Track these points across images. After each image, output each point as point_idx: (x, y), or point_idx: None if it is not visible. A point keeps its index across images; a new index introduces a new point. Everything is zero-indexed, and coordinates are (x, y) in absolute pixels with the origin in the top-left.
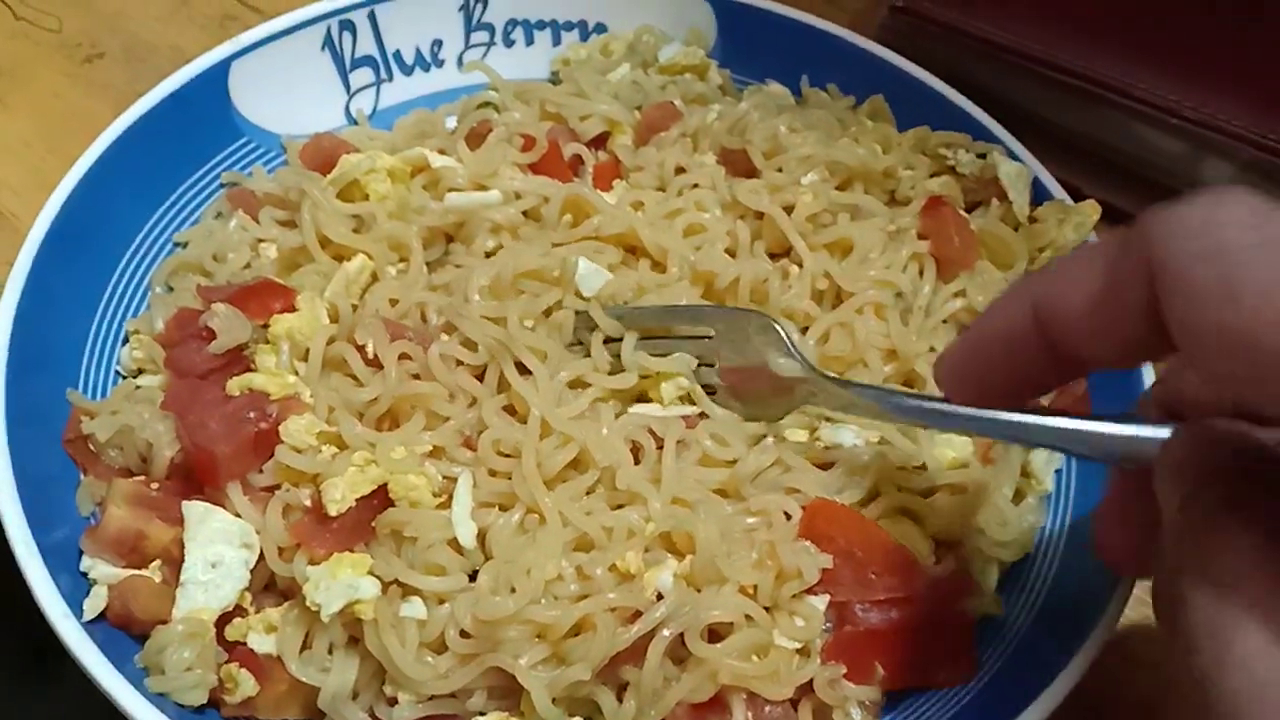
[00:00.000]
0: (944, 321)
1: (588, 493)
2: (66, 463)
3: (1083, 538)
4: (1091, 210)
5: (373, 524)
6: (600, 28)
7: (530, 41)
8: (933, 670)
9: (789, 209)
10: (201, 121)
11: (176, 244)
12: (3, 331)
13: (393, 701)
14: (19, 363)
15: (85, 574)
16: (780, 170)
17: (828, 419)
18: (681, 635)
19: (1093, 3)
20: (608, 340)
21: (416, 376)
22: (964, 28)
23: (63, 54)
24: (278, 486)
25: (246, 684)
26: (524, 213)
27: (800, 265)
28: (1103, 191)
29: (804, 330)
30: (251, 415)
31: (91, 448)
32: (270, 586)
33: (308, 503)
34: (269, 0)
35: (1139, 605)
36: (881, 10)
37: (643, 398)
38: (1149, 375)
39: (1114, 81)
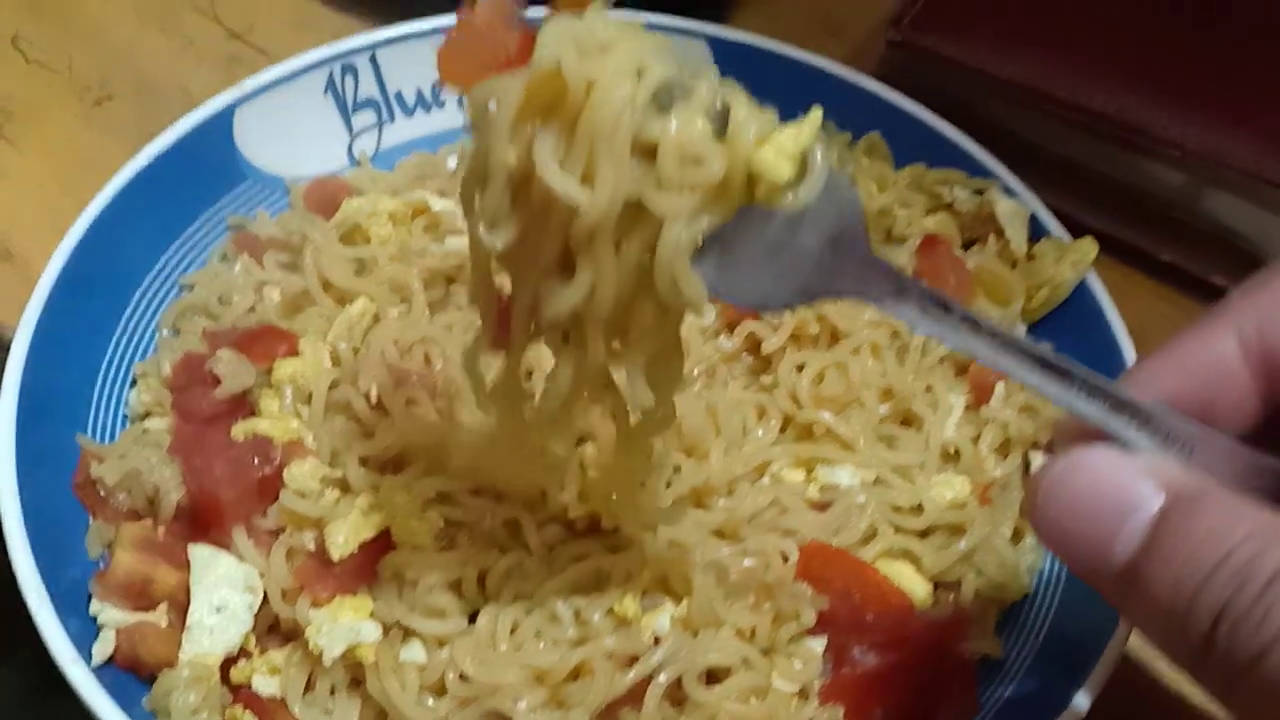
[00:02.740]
0: (940, 360)
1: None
2: (76, 506)
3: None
4: (1089, 247)
5: (375, 567)
6: None
7: None
8: (932, 712)
9: None
10: (207, 166)
11: (183, 286)
12: (14, 375)
13: None
14: (29, 406)
15: (94, 618)
16: None
17: (823, 461)
18: (679, 679)
19: (1093, 36)
20: None
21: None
22: (964, 61)
23: (74, 96)
24: (282, 530)
25: None
26: None
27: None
28: (1104, 223)
29: (799, 368)
30: (255, 460)
31: (100, 491)
32: (274, 628)
33: (311, 546)
34: (273, 41)
35: (1140, 648)
36: (883, 41)
37: None
38: None
39: (1115, 114)
